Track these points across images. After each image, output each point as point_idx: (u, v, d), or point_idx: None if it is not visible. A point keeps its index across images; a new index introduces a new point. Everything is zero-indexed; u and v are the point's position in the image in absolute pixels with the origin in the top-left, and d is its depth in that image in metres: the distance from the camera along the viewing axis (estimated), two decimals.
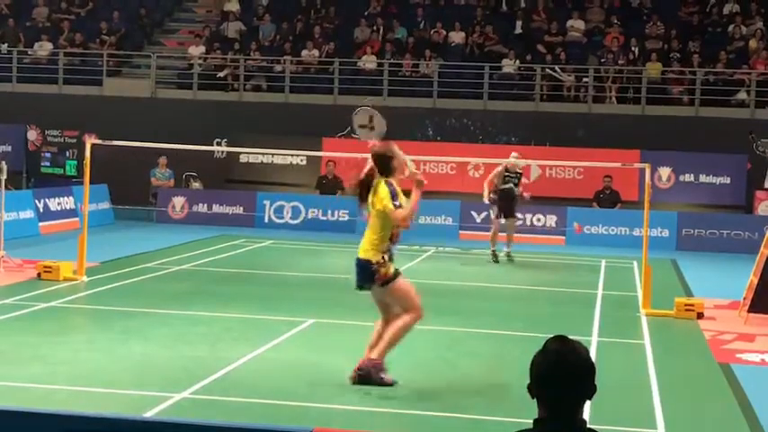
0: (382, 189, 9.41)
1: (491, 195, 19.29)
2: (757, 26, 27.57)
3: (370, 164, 9.62)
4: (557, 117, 25.81)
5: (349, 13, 29.75)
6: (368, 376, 9.29)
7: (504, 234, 19.52)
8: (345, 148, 25.13)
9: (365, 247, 9.42)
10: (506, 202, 19.30)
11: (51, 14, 31.05)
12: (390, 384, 9.29)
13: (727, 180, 24.74)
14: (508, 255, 19.40)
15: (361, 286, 9.52)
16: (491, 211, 19.66)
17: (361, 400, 9.02)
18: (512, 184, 19.36)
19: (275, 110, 26.77)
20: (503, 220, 19.30)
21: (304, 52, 28.20)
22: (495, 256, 19.26)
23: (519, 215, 20.29)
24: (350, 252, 20.34)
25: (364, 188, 9.51)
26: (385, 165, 9.47)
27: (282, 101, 27.22)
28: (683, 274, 18.75)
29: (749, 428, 8.68)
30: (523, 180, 19.96)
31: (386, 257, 9.35)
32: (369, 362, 9.36)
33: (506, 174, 19.39)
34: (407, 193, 9.49)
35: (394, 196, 9.31)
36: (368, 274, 9.37)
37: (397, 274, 9.39)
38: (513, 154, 19.30)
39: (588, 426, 3.48)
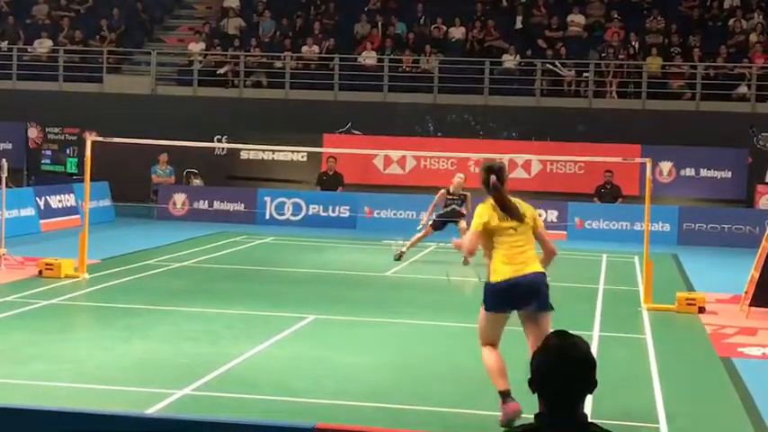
0: (529, 207, 8.68)
1: (432, 217, 18.64)
2: (757, 20, 27.54)
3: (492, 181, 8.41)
4: (557, 112, 25.80)
5: (349, 9, 29.73)
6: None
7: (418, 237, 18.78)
8: (346, 145, 25.24)
9: (536, 265, 8.46)
10: (444, 220, 18.76)
11: (51, 12, 31.04)
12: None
13: (728, 174, 24.74)
14: (400, 253, 18.57)
15: (545, 307, 8.48)
16: (424, 223, 18.85)
17: (362, 396, 9.02)
18: (454, 206, 18.73)
19: (276, 106, 26.76)
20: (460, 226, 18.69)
21: (304, 48, 28.18)
22: (401, 255, 18.66)
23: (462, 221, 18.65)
24: (351, 248, 20.44)
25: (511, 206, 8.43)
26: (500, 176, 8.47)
27: (283, 97, 27.21)
28: (684, 268, 18.75)
29: (750, 422, 8.68)
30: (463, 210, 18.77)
31: None
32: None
33: (449, 197, 18.82)
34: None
35: None
36: (546, 294, 8.51)
37: None
38: (459, 175, 18.98)
39: (589, 420, 3.48)
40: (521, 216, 8.39)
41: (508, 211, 8.38)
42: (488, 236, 8.44)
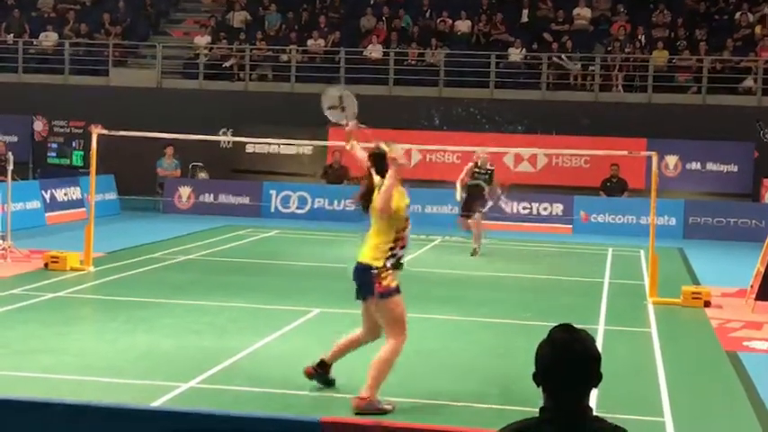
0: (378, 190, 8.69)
1: (462, 194, 18.90)
2: (764, 12, 27.48)
3: (366, 165, 8.82)
4: (563, 105, 25.77)
5: (354, 3, 29.73)
6: (366, 413, 8.19)
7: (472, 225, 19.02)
8: None
9: (365, 252, 8.57)
10: (471, 199, 18.83)
11: (57, 5, 31.08)
12: (391, 410, 8.32)
13: (734, 168, 24.70)
14: (474, 249, 18.61)
15: (359, 296, 8.58)
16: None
17: None
18: (480, 181, 18.88)
19: (281, 99, 26.76)
20: (470, 221, 18.84)
21: (309, 42, 28.18)
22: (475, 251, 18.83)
23: (482, 210, 19.43)
24: (356, 241, 20.37)
25: (368, 195, 8.64)
26: (380, 163, 8.61)
27: (288, 90, 27.22)
28: (689, 262, 18.73)
29: (756, 416, 8.68)
30: (495, 179, 19.02)
31: (389, 265, 8.46)
32: (361, 402, 8.29)
33: (476, 170, 19.03)
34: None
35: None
36: (366, 281, 8.45)
37: (397, 289, 8.46)
38: (484, 152, 19.00)
39: (594, 414, 3.47)
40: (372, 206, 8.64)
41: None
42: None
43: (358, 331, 8.81)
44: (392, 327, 8.48)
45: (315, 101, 28.70)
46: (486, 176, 18.85)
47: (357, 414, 8.19)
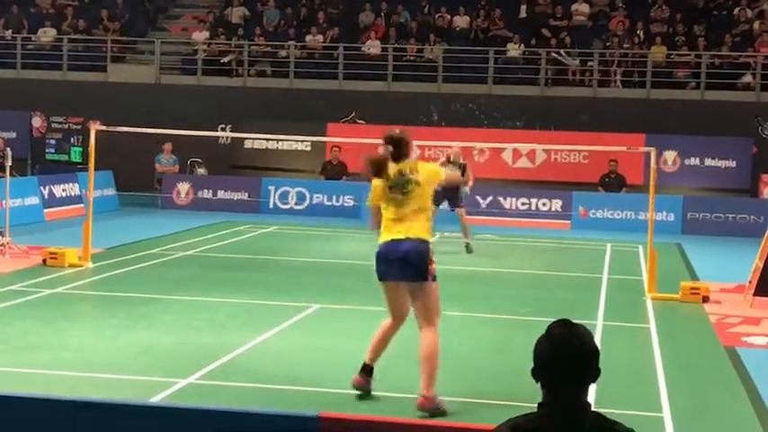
0: (429, 164, 8.49)
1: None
2: (762, 8, 27.49)
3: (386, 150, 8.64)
4: (562, 101, 25.78)
5: None
6: (432, 413, 8.03)
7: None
8: (350, 134, 25.21)
9: (414, 227, 8.17)
10: (450, 192, 18.96)
11: (55, 1, 31.06)
12: (446, 411, 8.10)
13: (733, 164, 24.72)
14: (467, 245, 18.65)
15: (415, 278, 8.19)
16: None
17: None
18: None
19: (280, 95, 26.76)
20: (444, 207, 19.08)
21: (308, 37, 28.17)
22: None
23: (462, 204, 19.67)
24: (354, 237, 20.45)
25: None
26: (399, 149, 8.66)
27: (287, 86, 27.21)
28: (688, 257, 18.73)
29: (754, 411, 8.69)
30: (469, 173, 19.30)
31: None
32: (427, 402, 8.07)
33: (449, 165, 19.06)
34: None
35: None
36: (423, 261, 8.16)
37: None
38: (455, 148, 19.32)
39: (593, 409, 3.48)
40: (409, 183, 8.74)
41: None
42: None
43: (386, 322, 8.60)
44: (433, 312, 8.36)
45: (313, 97, 28.73)
46: (459, 171, 18.97)
47: (422, 414, 8.00)
